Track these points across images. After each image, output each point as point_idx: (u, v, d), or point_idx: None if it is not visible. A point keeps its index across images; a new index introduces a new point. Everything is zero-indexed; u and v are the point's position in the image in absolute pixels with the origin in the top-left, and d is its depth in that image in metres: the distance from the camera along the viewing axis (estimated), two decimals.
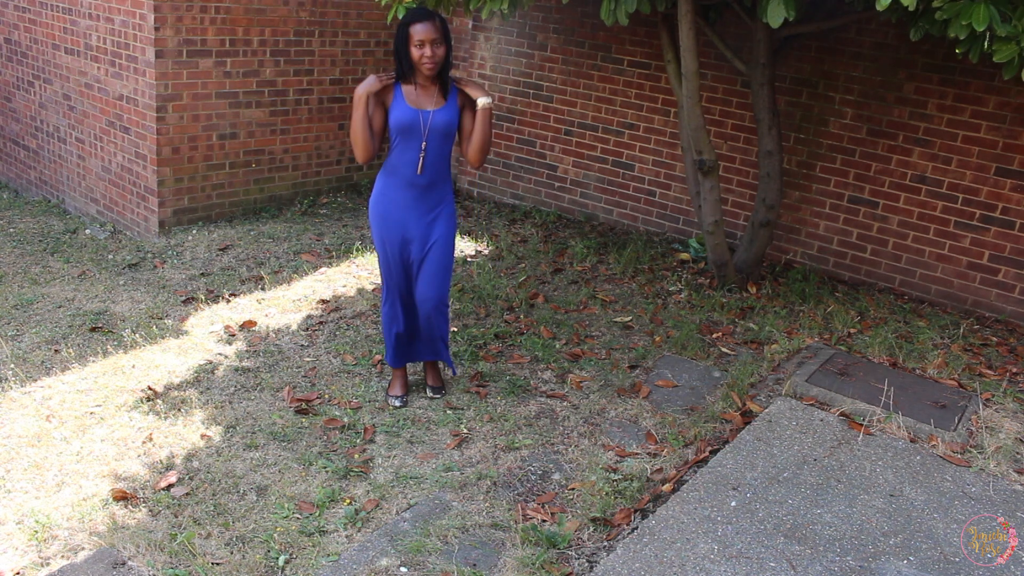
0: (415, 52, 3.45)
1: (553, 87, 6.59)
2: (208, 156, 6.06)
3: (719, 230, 5.04)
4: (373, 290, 5.15)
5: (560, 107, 6.59)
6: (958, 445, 3.55)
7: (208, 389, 4.00)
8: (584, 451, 3.60)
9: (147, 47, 5.62)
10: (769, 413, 3.71)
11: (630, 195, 6.43)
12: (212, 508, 3.16)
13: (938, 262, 5.28)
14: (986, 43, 3.55)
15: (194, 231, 6.01)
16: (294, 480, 3.35)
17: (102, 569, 2.81)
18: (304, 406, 3.85)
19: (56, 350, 4.37)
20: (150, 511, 3.14)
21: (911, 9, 3.47)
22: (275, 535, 3.02)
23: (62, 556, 2.90)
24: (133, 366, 4.19)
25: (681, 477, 3.32)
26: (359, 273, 5.40)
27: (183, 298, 5.02)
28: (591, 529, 3.07)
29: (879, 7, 3.39)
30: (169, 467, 3.39)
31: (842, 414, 3.74)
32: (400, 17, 4.59)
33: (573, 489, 3.33)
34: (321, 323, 4.70)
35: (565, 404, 3.97)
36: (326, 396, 3.97)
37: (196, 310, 4.85)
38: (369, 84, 3.50)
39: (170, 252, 5.73)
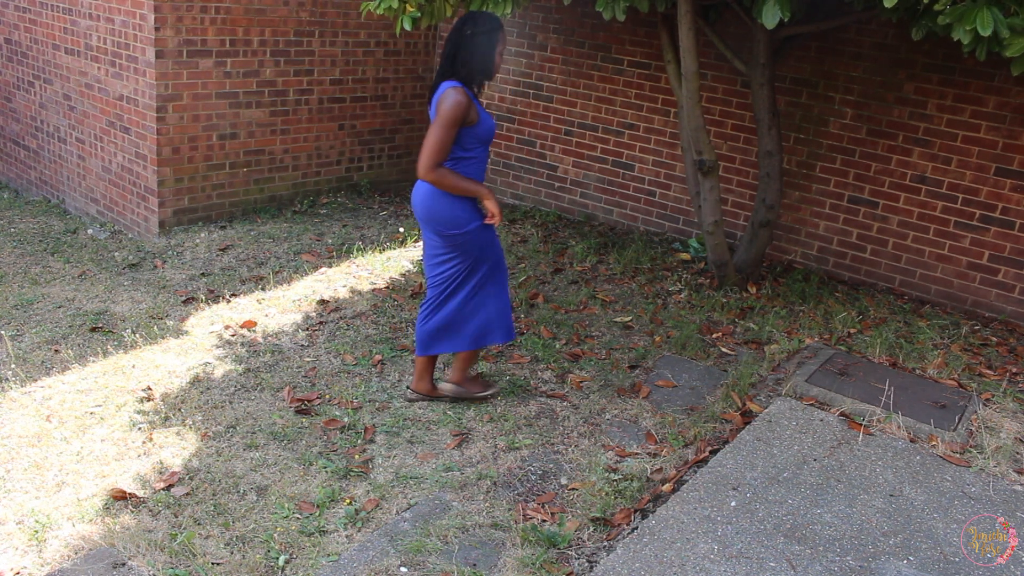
0: (499, 56, 3.44)
1: (553, 87, 6.59)
2: (208, 156, 6.06)
3: (719, 230, 5.04)
4: (372, 290, 5.15)
5: (560, 107, 6.60)
6: (958, 445, 3.55)
7: (208, 389, 4.00)
8: (584, 451, 3.60)
9: (147, 47, 5.62)
10: (769, 413, 3.71)
11: (630, 195, 6.43)
12: (212, 508, 3.16)
13: (938, 262, 5.28)
14: (989, 42, 3.55)
15: (194, 231, 6.01)
16: (294, 480, 3.35)
17: (102, 569, 2.81)
18: (304, 406, 3.86)
19: (56, 350, 4.37)
20: (150, 511, 3.14)
21: (918, 7, 3.47)
22: (275, 535, 3.02)
23: (62, 556, 2.90)
24: (133, 366, 4.19)
25: (681, 477, 3.32)
26: (359, 273, 5.40)
27: (183, 298, 5.02)
28: (591, 529, 3.07)
29: (887, 3, 3.38)
30: (169, 467, 3.39)
31: (842, 414, 3.74)
32: (407, 28, 4.60)
33: (573, 489, 3.33)
34: (321, 323, 4.70)
35: (565, 404, 3.97)
36: (326, 396, 3.97)
37: (196, 310, 4.85)
38: (464, 97, 3.34)
39: (170, 252, 5.73)
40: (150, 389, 3.96)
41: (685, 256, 5.84)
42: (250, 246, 5.80)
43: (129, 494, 3.21)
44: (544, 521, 3.11)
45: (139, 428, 3.66)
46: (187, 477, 3.34)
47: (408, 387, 4.00)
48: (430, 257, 3.67)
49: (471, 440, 3.67)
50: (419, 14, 4.59)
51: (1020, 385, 4.21)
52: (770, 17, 3.70)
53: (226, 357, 4.31)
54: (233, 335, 4.55)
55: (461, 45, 3.40)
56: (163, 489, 3.25)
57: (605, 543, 2.98)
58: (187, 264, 5.55)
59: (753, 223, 5.30)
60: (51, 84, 6.71)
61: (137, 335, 4.52)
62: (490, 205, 3.51)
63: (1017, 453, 3.54)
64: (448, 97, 3.33)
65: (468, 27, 3.41)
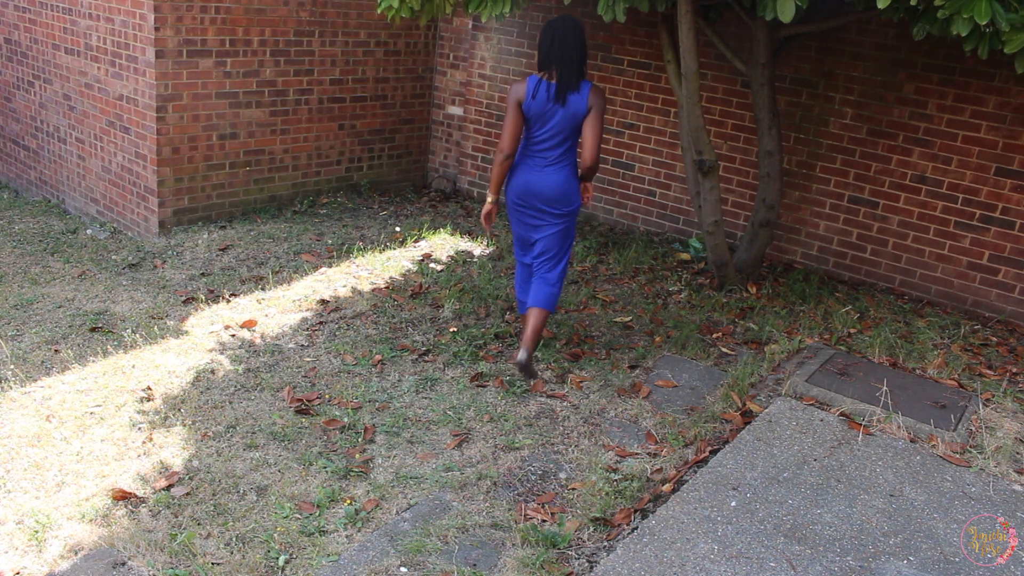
0: None
1: None
2: (208, 156, 6.06)
3: (719, 230, 5.04)
4: (372, 290, 5.15)
5: None
6: (958, 445, 3.55)
7: (208, 389, 4.00)
8: (584, 451, 3.60)
9: (147, 47, 5.62)
10: (769, 413, 3.71)
11: (630, 195, 6.43)
12: (212, 508, 3.16)
13: (938, 262, 5.28)
14: (990, 39, 3.53)
15: (194, 231, 6.01)
16: (294, 480, 3.35)
17: (102, 569, 2.81)
18: (304, 406, 3.86)
19: (56, 350, 4.37)
20: (150, 511, 3.14)
21: (914, 4, 3.46)
22: (275, 535, 3.02)
23: (62, 556, 2.90)
24: (133, 366, 4.19)
25: (681, 477, 3.32)
26: (359, 273, 5.40)
27: (183, 298, 5.02)
28: (591, 529, 3.07)
29: (880, 5, 3.37)
30: (169, 467, 3.39)
31: (842, 414, 3.74)
32: (404, 15, 4.66)
33: (573, 489, 3.33)
34: (321, 323, 4.70)
35: (565, 404, 3.97)
36: (326, 396, 3.97)
37: (196, 310, 4.85)
38: None
39: (170, 252, 5.73)
40: (150, 389, 3.96)
41: (685, 256, 5.83)
42: (250, 246, 5.80)
43: (129, 494, 3.21)
44: (544, 521, 3.11)
45: (139, 428, 3.66)
46: (187, 477, 3.34)
47: (523, 360, 3.99)
48: (548, 236, 4.08)
49: (471, 440, 3.67)
50: (418, 7, 4.59)
51: (1020, 385, 4.21)
52: (786, 11, 3.67)
53: (226, 357, 4.31)
54: (233, 335, 4.55)
55: (583, 47, 3.91)
56: (163, 489, 3.25)
57: (605, 543, 2.98)
58: (187, 264, 5.55)
59: (753, 223, 5.30)
60: (51, 84, 6.71)
61: (137, 335, 4.52)
62: (590, 185, 4.16)
63: (1017, 453, 3.54)
64: (602, 95, 3.96)
65: (582, 29, 3.90)
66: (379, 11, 4.67)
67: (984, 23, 3.31)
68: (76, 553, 2.91)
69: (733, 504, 3.06)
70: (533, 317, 4.05)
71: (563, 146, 3.94)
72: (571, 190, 3.99)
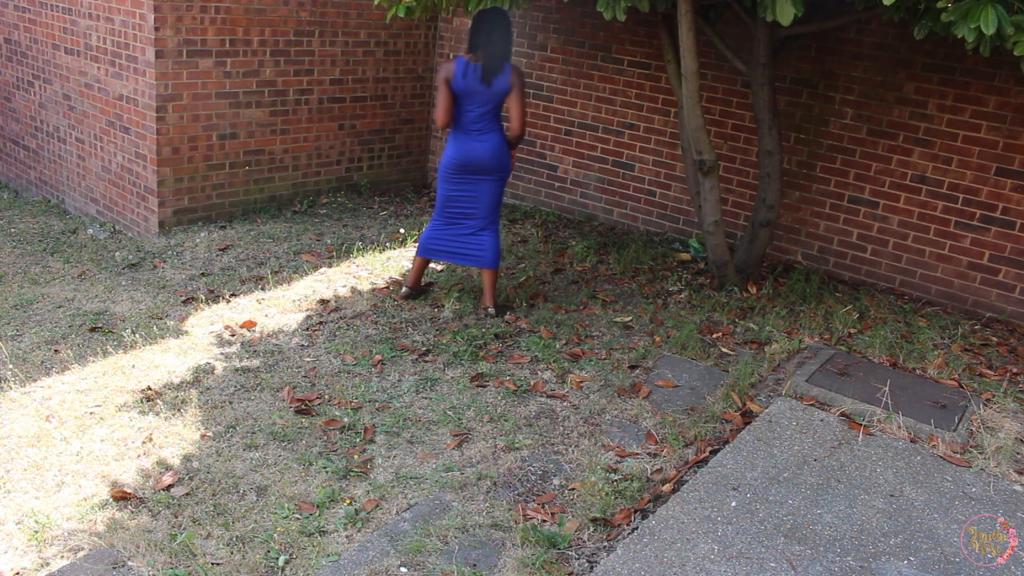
0: None
1: (553, 87, 6.59)
2: (208, 156, 6.06)
3: (719, 230, 5.04)
4: (372, 290, 5.15)
5: (560, 107, 6.59)
6: (958, 445, 3.55)
7: (208, 389, 4.00)
8: (584, 451, 3.60)
9: (147, 47, 5.62)
10: (769, 413, 3.71)
11: (630, 195, 6.43)
12: (212, 508, 3.16)
13: (938, 262, 5.28)
14: (992, 39, 3.53)
15: (194, 231, 6.01)
16: (294, 480, 3.35)
17: (102, 569, 2.81)
18: (304, 406, 3.85)
19: (56, 350, 4.37)
20: (150, 511, 3.14)
21: (920, 8, 3.46)
22: (275, 535, 3.02)
23: (62, 556, 2.90)
24: (133, 366, 4.19)
25: (681, 477, 3.32)
26: (359, 273, 5.40)
27: (183, 298, 5.02)
28: (591, 529, 3.07)
29: (885, 2, 3.37)
30: (169, 467, 3.39)
31: (842, 414, 3.74)
32: (400, 16, 4.72)
33: (573, 489, 3.33)
34: (321, 323, 4.70)
35: (565, 404, 3.97)
36: (326, 396, 3.97)
37: (196, 310, 4.85)
38: None
39: (170, 252, 5.73)
40: (150, 389, 3.96)
41: (685, 256, 5.83)
42: (250, 246, 5.80)
43: (129, 494, 3.21)
44: (544, 521, 3.11)
45: (139, 428, 3.66)
46: (187, 477, 3.33)
47: (488, 307, 4.80)
48: (488, 195, 4.67)
49: (471, 440, 3.67)
50: (414, 3, 4.60)
51: (1020, 385, 4.21)
52: (785, 14, 3.68)
53: (226, 357, 4.31)
54: (233, 335, 4.55)
55: (509, 36, 4.44)
56: (163, 489, 3.25)
57: (605, 543, 2.98)
58: (187, 264, 5.55)
59: (753, 223, 5.30)
60: (51, 84, 6.71)
61: (137, 335, 4.52)
62: (515, 152, 4.73)
63: (1017, 453, 3.54)
64: (521, 74, 4.49)
65: (509, 21, 4.46)
66: (381, 6, 4.82)
67: (990, 33, 3.32)
68: (76, 553, 2.91)
69: (733, 504, 3.05)
70: (488, 275, 4.78)
71: (490, 117, 4.52)
72: (503, 154, 4.59)
